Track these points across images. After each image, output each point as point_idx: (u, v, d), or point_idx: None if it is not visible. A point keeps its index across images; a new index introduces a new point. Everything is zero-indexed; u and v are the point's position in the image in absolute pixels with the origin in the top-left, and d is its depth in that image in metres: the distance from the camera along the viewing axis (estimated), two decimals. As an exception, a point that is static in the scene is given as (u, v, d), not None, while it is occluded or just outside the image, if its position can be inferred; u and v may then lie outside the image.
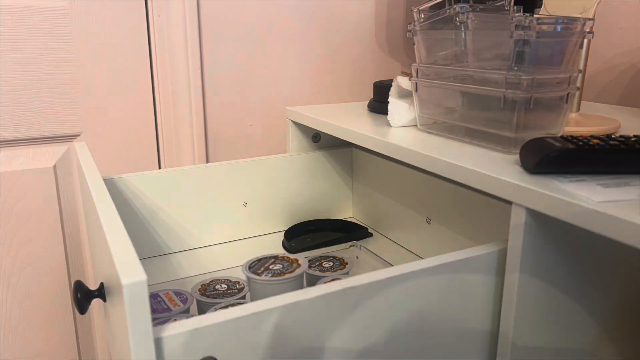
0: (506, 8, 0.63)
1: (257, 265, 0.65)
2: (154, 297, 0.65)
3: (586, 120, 0.69)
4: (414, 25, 0.66)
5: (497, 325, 0.52)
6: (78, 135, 1.02)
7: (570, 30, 0.55)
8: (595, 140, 0.48)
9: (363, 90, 1.29)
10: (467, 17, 0.59)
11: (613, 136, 0.49)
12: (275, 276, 0.62)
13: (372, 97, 0.90)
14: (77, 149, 0.73)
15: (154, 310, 0.62)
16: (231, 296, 0.65)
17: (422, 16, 0.65)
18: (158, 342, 0.37)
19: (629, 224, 0.37)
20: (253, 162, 0.85)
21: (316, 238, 0.87)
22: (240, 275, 0.74)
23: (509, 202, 0.47)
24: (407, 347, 0.47)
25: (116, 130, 1.04)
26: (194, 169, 0.81)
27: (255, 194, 0.87)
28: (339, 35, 1.22)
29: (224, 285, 0.68)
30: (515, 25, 0.53)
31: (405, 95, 0.74)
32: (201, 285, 0.68)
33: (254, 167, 0.85)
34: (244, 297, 0.65)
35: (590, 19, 0.55)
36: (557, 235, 0.48)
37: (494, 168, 0.50)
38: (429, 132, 0.68)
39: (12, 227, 0.99)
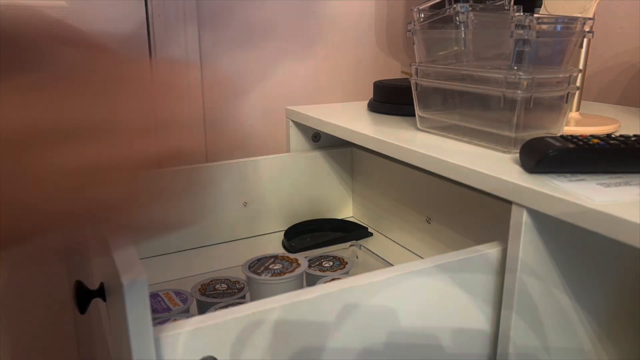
0: (506, 7, 0.63)
1: (257, 265, 0.65)
2: (154, 297, 0.65)
3: (586, 120, 0.69)
4: (414, 25, 0.66)
5: (497, 325, 0.52)
6: (78, 135, 1.02)
7: (570, 29, 0.55)
8: (595, 140, 0.48)
9: (363, 90, 1.29)
10: (467, 17, 0.59)
11: (613, 136, 0.49)
12: (275, 276, 0.62)
13: (372, 97, 0.90)
14: (77, 148, 0.73)
15: (154, 310, 0.62)
16: (231, 296, 0.65)
17: (422, 16, 0.65)
18: (158, 342, 0.37)
19: (629, 224, 0.37)
20: (253, 162, 0.85)
21: (316, 238, 0.87)
22: (240, 275, 0.74)
23: (509, 202, 0.47)
24: (407, 347, 0.47)
25: (116, 130, 1.04)
26: (194, 169, 0.81)
27: (255, 194, 0.87)
28: (339, 35, 1.22)
29: (224, 285, 0.68)
30: (515, 25, 0.53)
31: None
32: (201, 285, 0.68)
33: (254, 167, 0.85)
34: (244, 297, 0.65)
35: (590, 19, 0.55)
36: (557, 235, 0.48)
37: (494, 168, 0.50)
38: (429, 132, 0.68)
39: (12, 227, 0.99)
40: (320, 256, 0.75)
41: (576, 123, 0.67)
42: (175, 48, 1.05)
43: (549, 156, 0.47)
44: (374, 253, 0.78)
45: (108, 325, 0.59)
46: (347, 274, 0.69)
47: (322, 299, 0.42)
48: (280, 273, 0.63)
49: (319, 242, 0.83)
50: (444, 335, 0.49)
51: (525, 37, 0.53)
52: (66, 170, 0.23)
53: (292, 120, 0.91)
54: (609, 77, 0.97)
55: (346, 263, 0.72)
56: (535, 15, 0.54)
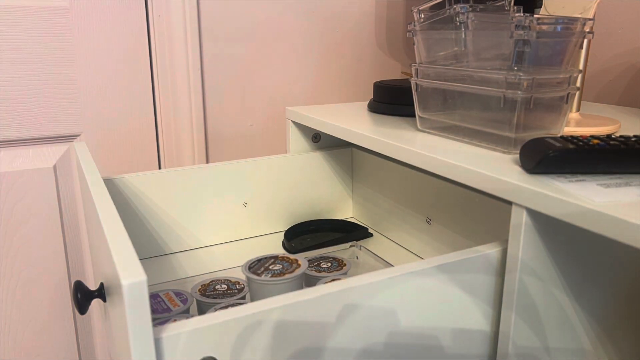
0: (506, 8, 0.63)
1: (257, 266, 0.65)
2: (154, 297, 0.65)
3: (586, 120, 0.69)
4: (414, 25, 0.66)
5: (497, 325, 0.52)
6: (78, 135, 1.02)
7: (570, 30, 0.55)
8: (596, 140, 0.48)
9: (363, 90, 1.29)
10: (467, 17, 0.59)
11: (613, 136, 0.49)
12: (275, 276, 0.62)
13: (372, 97, 0.90)
14: (77, 149, 0.73)
15: (154, 311, 0.62)
16: (231, 296, 0.65)
17: (422, 16, 0.65)
18: (158, 342, 0.37)
19: (629, 224, 0.37)
20: (253, 162, 0.85)
21: (316, 238, 0.87)
22: (240, 275, 0.74)
23: (509, 202, 0.47)
24: (407, 347, 0.47)
25: (116, 130, 1.04)
26: (194, 169, 0.81)
27: (255, 194, 0.87)
28: (339, 35, 1.22)
29: (224, 285, 0.68)
30: (516, 25, 0.53)
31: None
32: (201, 286, 0.68)
33: (254, 167, 0.85)
34: (244, 297, 0.65)
35: (590, 19, 0.55)
36: (557, 235, 0.48)
37: (494, 168, 0.50)
38: (429, 132, 0.68)
39: (12, 227, 0.99)
40: (319, 257, 0.75)
41: (576, 124, 0.67)
42: (175, 48, 1.05)
43: (549, 157, 0.47)
44: (374, 253, 0.78)
45: (108, 326, 0.59)
46: (345, 275, 0.69)
47: (322, 300, 0.42)
48: (280, 274, 0.63)
49: (319, 242, 0.83)
50: (444, 335, 0.49)
51: (526, 37, 0.53)
52: None
53: (292, 121, 0.91)
54: (609, 78, 0.97)
55: (344, 264, 0.72)
56: (535, 15, 0.54)
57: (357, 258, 0.79)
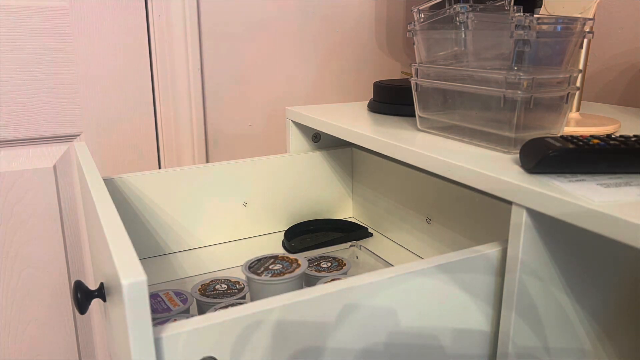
0: (506, 8, 0.63)
1: (257, 265, 0.65)
2: (154, 297, 0.65)
3: (586, 120, 0.69)
4: (414, 25, 0.66)
5: (497, 325, 0.52)
6: (78, 135, 1.02)
7: (570, 30, 0.55)
8: (595, 140, 0.48)
9: (363, 90, 1.29)
10: (467, 17, 0.59)
11: (613, 136, 0.49)
12: (275, 276, 0.62)
13: (372, 97, 0.90)
14: (77, 149, 0.73)
15: (154, 310, 0.62)
16: (231, 296, 0.65)
17: (422, 16, 0.65)
18: (158, 342, 0.37)
19: (629, 224, 0.37)
20: (253, 162, 0.85)
21: (316, 238, 0.87)
22: (240, 275, 0.74)
23: (509, 202, 0.47)
24: (407, 347, 0.47)
25: (116, 130, 1.04)
26: (194, 169, 0.81)
27: (255, 194, 0.87)
28: (339, 35, 1.22)
29: (224, 285, 0.68)
30: (516, 25, 0.53)
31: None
32: (201, 285, 0.68)
33: (254, 167, 0.85)
34: (244, 297, 0.65)
35: (590, 19, 0.55)
36: (557, 235, 0.48)
37: (494, 168, 0.50)
38: (428, 132, 0.68)
39: (12, 227, 0.99)
40: (319, 257, 0.75)
41: (576, 123, 0.67)
42: (175, 48, 1.05)
43: (549, 156, 0.47)
44: (374, 253, 0.78)
45: (108, 325, 0.59)
46: (345, 274, 0.69)
47: (322, 299, 0.42)
48: (280, 273, 0.63)
49: (319, 242, 0.83)
50: (444, 335, 0.49)
51: (526, 37, 0.53)
52: None
53: (292, 121, 0.91)
54: (609, 77, 0.97)
55: (344, 264, 0.72)
56: (535, 15, 0.54)
57: (357, 258, 0.79)
